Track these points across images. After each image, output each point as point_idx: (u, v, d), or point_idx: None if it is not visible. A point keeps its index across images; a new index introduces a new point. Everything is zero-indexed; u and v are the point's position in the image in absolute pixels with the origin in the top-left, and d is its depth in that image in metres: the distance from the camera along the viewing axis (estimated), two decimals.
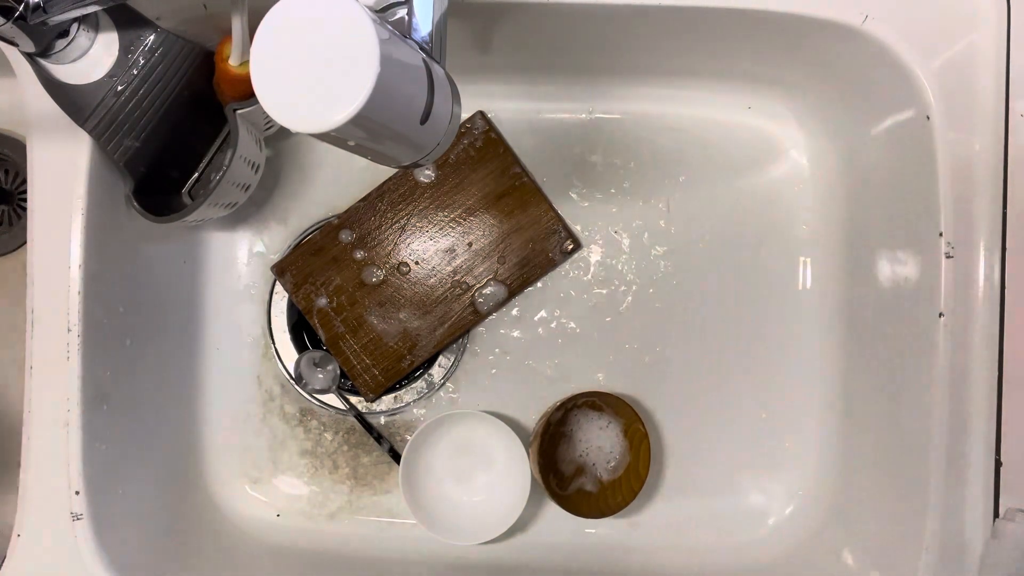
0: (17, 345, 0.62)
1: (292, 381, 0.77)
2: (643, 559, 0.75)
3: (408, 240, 0.76)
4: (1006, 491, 0.58)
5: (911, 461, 0.62)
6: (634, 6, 0.61)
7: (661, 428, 0.77)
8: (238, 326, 0.78)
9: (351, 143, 0.39)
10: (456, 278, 0.76)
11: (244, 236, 0.78)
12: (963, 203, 0.59)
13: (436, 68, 0.43)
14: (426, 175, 0.76)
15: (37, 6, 0.48)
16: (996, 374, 0.59)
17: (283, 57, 0.36)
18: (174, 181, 0.68)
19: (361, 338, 0.76)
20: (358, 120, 0.35)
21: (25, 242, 0.62)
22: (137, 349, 0.68)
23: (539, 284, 0.77)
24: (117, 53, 0.58)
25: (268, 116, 0.52)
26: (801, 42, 0.65)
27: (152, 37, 0.59)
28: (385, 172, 0.76)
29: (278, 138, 0.77)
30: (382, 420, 0.78)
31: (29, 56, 0.55)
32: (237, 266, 0.79)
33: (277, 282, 0.78)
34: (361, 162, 0.69)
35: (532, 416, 0.77)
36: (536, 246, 0.76)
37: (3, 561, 0.61)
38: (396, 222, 0.76)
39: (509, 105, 0.77)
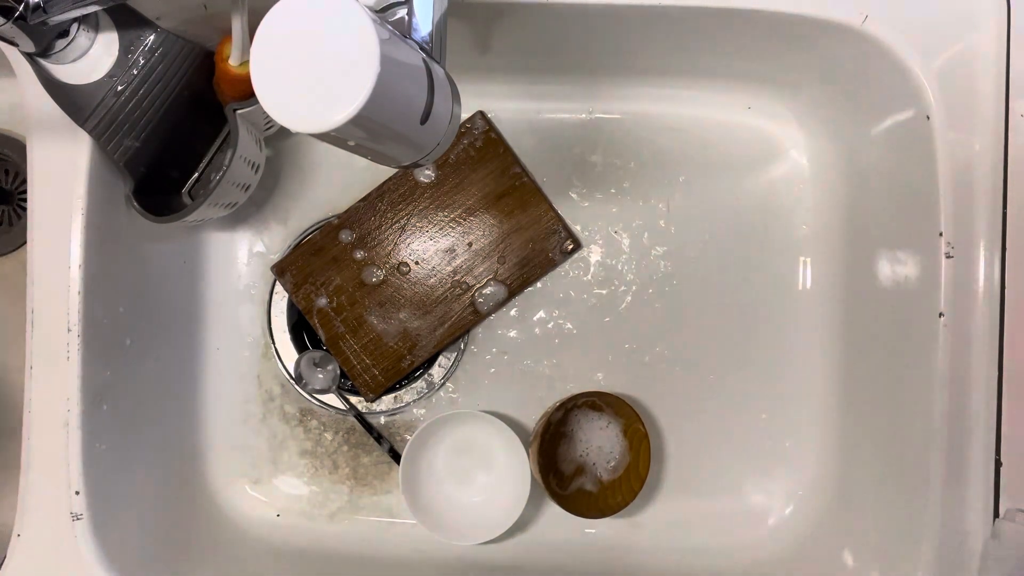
0: (17, 345, 0.62)
1: (292, 381, 0.77)
2: (643, 559, 0.75)
3: (408, 240, 0.76)
4: (1006, 491, 0.58)
5: (911, 461, 0.62)
6: (634, 6, 0.61)
7: (661, 428, 0.77)
8: (238, 326, 0.78)
9: (351, 143, 0.39)
10: (456, 278, 0.76)
11: (244, 236, 0.78)
12: (963, 203, 0.59)
13: (436, 68, 0.43)
14: (426, 175, 0.76)
15: (37, 6, 0.48)
16: (996, 374, 0.59)
17: (283, 57, 0.36)
18: (174, 181, 0.68)
19: (361, 338, 0.76)
20: (358, 120, 0.35)
21: (25, 242, 0.62)
22: (137, 349, 0.68)
23: (539, 284, 0.77)
24: (117, 53, 0.58)
25: (268, 116, 0.52)
26: (801, 42, 0.65)
27: (152, 37, 0.59)
28: (385, 172, 0.76)
29: (278, 138, 0.77)
30: (382, 420, 0.78)
31: (29, 56, 0.55)
32: (237, 266, 0.79)
33: (277, 282, 0.78)
34: (361, 162, 0.69)
35: (532, 416, 0.77)
36: (536, 246, 0.76)
37: (3, 561, 0.61)
38: (396, 222, 0.76)
39: (509, 105, 0.77)
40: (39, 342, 0.61)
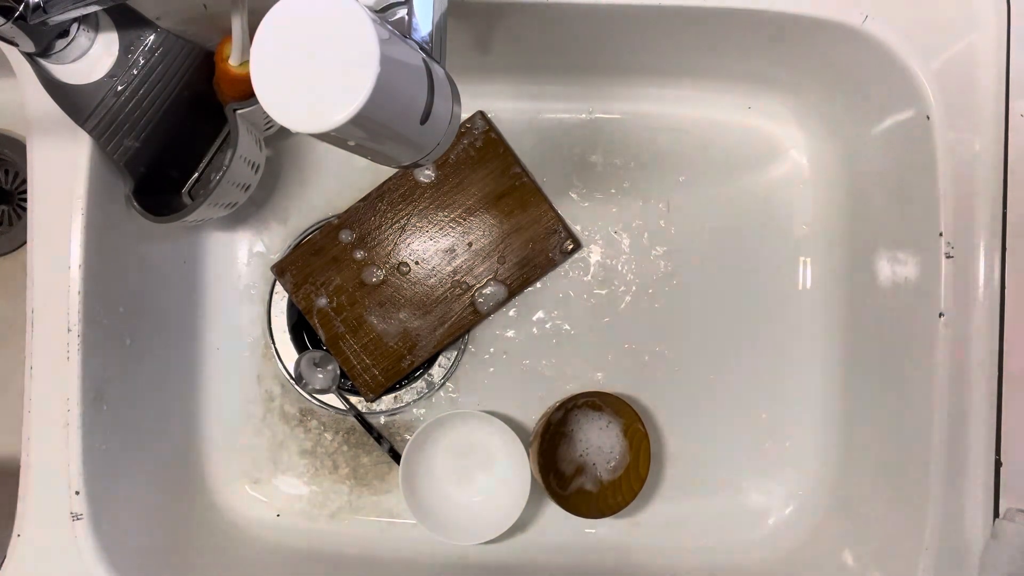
0: (17, 345, 0.62)
1: (292, 381, 0.77)
2: (643, 559, 0.75)
3: (408, 240, 0.76)
4: (1006, 491, 0.58)
5: (911, 461, 0.62)
6: (634, 6, 0.61)
7: (661, 428, 0.77)
8: (238, 326, 0.78)
9: (351, 143, 0.39)
10: (456, 278, 0.76)
11: (244, 236, 0.78)
12: (963, 203, 0.59)
13: (436, 68, 0.43)
14: (426, 175, 0.76)
15: (37, 6, 0.48)
16: (996, 374, 0.59)
17: (283, 57, 0.36)
18: (174, 181, 0.68)
19: (361, 338, 0.76)
20: (358, 120, 0.35)
21: (25, 242, 0.62)
22: (137, 349, 0.68)
23: (539, 284, 0.77)
24: (117, 53, 0.58)
25: (268, 116, 0.52)
26: (801, 42, 0.65)
27: (152, 37, 0.59)
28: (385, 172, 0.76)
29: (278, 138, 0.77)
30: (382, 420, 0.78)
31: (29, 56, 0.55)
32: (237, 266, 0.79)
33: (277, 282, 0.78)
34: (361, 162, 0.69)
35: (532, 416, 0.77)
36: (536, 246, 0.76)
37: (3, 561, 0.61)
38: (396, 222, 0.76)
39: (509, 105, 0.77)
40: (39, 342, 0.61)
